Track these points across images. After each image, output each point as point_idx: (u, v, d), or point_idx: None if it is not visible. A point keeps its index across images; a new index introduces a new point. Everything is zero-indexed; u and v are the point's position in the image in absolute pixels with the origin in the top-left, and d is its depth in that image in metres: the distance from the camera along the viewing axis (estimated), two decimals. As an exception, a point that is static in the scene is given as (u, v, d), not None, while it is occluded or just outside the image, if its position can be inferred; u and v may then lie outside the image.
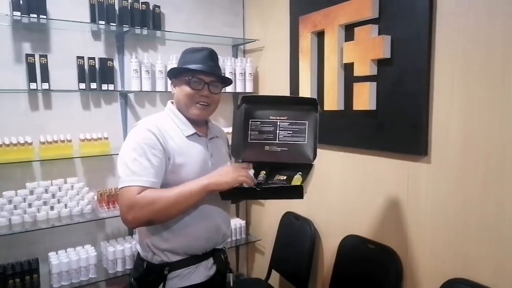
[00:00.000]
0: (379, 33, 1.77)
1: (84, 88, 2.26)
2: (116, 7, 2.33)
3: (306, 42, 2.18)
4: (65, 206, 2.19)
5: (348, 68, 1.95)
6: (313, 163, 1.39)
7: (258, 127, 1.44)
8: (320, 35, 2.13)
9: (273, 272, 2.49)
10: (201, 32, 2.65)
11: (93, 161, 2.35)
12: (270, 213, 2.75)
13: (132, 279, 1.44)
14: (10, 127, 2.13)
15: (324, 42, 2.06)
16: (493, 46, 1.39)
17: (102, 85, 2.30)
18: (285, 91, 2.42)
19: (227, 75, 2.58)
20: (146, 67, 2.41)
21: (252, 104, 1.46)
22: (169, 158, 1.31)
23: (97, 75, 2.30)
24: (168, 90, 2.42)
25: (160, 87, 2.47)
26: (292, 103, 1.46)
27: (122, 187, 1.24)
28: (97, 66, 2.30)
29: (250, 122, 1.44)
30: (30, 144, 2.08)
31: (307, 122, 1.41)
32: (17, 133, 2.09)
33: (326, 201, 2.21)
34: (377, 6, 1.77)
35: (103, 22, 2.26)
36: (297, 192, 1.22)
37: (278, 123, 1.43)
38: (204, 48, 1.41)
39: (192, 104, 1.37)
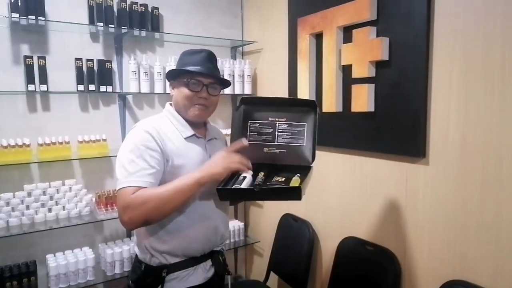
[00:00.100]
0: (377, 35, 1.77)
1: (83, 90, 2.25)
2: (115, 9, 2.33)
3: (305, 44, 2.19)
4: (63, 208, 2.18)
5: (346, 70, 1.95)
6: (312, 165, 1.39)
7: (257, 128, 1.44)
8: (318, 37, 2.13)
9: (272, 274, 2.49)
10: (199, 34, 2.65)
11: (92, 163, 2.34)
12: (268, 214, 2.75)
13: (130, 281, 1.44)
14: (8, 128, 2.12)
15: (323, 44, 2.07)
16: (492, 47, 1.40)
17: (101, 86, 2.30)
18: (284, 93, 2.43)
19: (226, 77, 2.58)
20: (144, 68, 2.41)
21: (251, 106, 1.46)
22: (168, 160, 1.31)
23: (96, 77, 2.29)
24: (167, 92, 2.42)
25: (158, 89, 2.47)
26: (291, 105, 1.46)
27: (119, 189, 1.24)
28: (95, 67, 2.29)
29: (249, 124, 1.44)
30: (28, 146, 2.08)
31: (306, 123, 1.41)
32: (15, 135, 2.09)
33: (325, 203, 2.21)
34: (375, 8, 1.77)
35: (101, 24, 2.26)
36: (295, 194, 1.22)
37: (277, 124, 1.43)
38: (203, 50, 1.41)
39: (191, 106, 1.37)
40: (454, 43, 1.52)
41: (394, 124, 1.74)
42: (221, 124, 2.83)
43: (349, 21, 1.89)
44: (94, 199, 2.32)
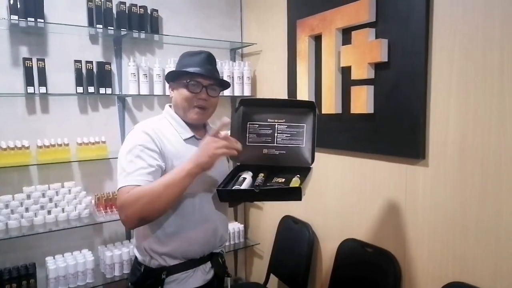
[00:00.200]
0: (376, 37, 1.77)
1: (82, 92, 2.25)
2: (114, 11, 2.33)
3: (304, 45, 2.19)
4: (63, 210, 2.18)
5: (345, 71, 1.96)
6: (311, 166, 1.39)
7: (256, 130, 1.44)
8: (317, 38, 2.14)
9: (272, 276, 2.48)
10: (199, 36, 2.65)
11: (91, 165, 2.34)
12: (268, 216, 2.75)
13: (130, 284, 1.43)
14: (7, 131, 2.12)
15: (322, 45, 2.07)
16: (490, 49, 1.40)
17: (100, 89, 2.30)
18: (283, 95, 2.43)
19: (225, 78, 2.58)
20: (144, 70, 2.41)
21: (250, 107, 1.46)
22: (167, 161, 1.31)
23: (95, 79, 2.30)
24: (166, 93, 2.42)
25: (158, 90, 2.47)
26: (290, 106, 1.46)
27: (118, 189, 1.24)
28: (94, 70, 2.30)
29: (248, 125, 1.44)
30: (28, 148, 2.08)
31: (305, 125, 1.41)
32: (14, 137, 2.09)
33: (324, 205, 2.21)
34: (374, 10, 1.78)
35: (100, 26, 2.27)
36: (295, 194, 1.22)
37: (276, 126, 1.43)
38: (202, 51, 1.41)
39: (190, 107, 1.37)
40: (453, 45, 1.52)
41: (394, 126, 1.74)
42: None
43: (348, 23, 1.89)
44: (93, 201, 2.31)
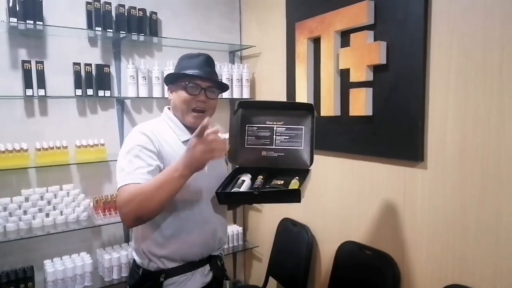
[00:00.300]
0: (375, 39, 1.78)
1: (81, 94, 2.25)
2: (113, 14, 2.33)
3: (303, 48, 2.19)
4: (61, 213, 2.17)
5: (344, 74, 1.96)
6: (310, 168, 1.39)
7: (255, 132, 1.44)
8: (316, 41, 2.14)
9: (270, 279, 2.48)
10: (198, 38, 2.66)
11: (89, 167, 2.34)
12: (267, 219, 2.74)
13: (128, 286, 1.43)
14: (5, 133, 2.12)
15: (320, 48, 2.07)
16: (489, 50, 1.40)
17: (99, 91, 2.30)
18: (282, 97, 2.43)
19: (224, 81, 2.58)
20: (142, 73, 2.41)
21: (248, 110, 1.46)
22: (165, 163, 1.30)
23: (94, 81, 2.29)
24: (165, 96, 2.42)
25: (157, 93, 2.47)
26: (288, 108, 1.46)
27: (118, 189, 1.24)
28: (93, 72, 2.30)
29: (246, 127, 1.44)
30: (26, 150, 2.07)
31: (303, 127, 1.41)
32: (13, 140, 2.08)
33: (323, 207, 2.21)
34: (372, 12, 1.78)
35: (99, 29, 2.27)
36: (295, 196, 1.22)
37: (275, 128, 1.43)
38: (201, 54, 1.42)
39: (189, 110, 1.37)
40: (451, 47, 1.52)
41: (392, 128, 1.74)
42: (220, 128, 2.82)
43: (347, 25, 1.89)
44: (92, 204, 2.31)
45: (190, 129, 1.41)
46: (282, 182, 1.34)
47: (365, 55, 1.79)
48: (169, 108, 1.46)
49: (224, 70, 2.65)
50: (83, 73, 2.26)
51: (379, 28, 1.77)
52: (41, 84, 2.12)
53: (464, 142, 1.49)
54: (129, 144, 1.30)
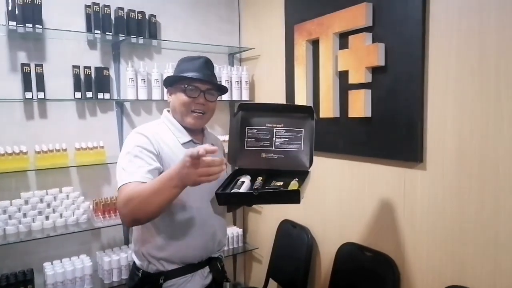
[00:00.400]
0: (373, 41, 1.79)
1: (80, 97, 2.25)
2: (112, 17, 2.34)
3: (301, 50, 2.20)
4: (60, 215, 2.17)
5: (343, 75, 1.96)
6: (309, 170, 1.39)
7: (255, 134, 1.44)
8: (315, 43, 2.15)
9: (271, 280, 2.48)
10: (197, 41, 2.66)
11: (89, 170, 2.34)
12: (267, 221, 2.74)
13: (128, 289, 1.43)
14: (5, 136, 2.12)
15: (319, 50, 2.08)
16: (486, 52, 1.41)
17: (98, 94, 2.30)
18: (281, 99, 2.43)
19: (223, 83, 2.59)
20: (142, 76, 2.42)
21: (248, 112, 1.47)
22: (164, 165, 1.31)
23: (93, 84, 2.30)
24: (164, 98, 2.42)
25: (156, 95, 2.48)
26: (288, 111, 1.47)
27: (118, 188, 1.24)
28: (93, 75, 2.30)
29: (246, 130, 1.45)
30: (25, 153, 2.07)
31: (303, 129, 1.42)
32: (12, 143, 2.08)
33: (323, 209, 2.21)
34: (371, 15, 1.79)
35: (99, 32, 2.27)
36: (294, 197, 1.22)
37: (275, 130, 1.44)
38: (200, 56, 1.43)
39: (188, 112, 1.38)
40: (450, 48, 1.53)
41: (391, 129, 1.75)
42: (219, 130, 2.84)
43: (345, 27, 1.90)
44: (91, 207, 2.31)
45: (190, 131, 1.42)
46: (282, 183, 1.35)
47: (363, 57, 1.80)
48: (168, 111, 1.47)
49: (223, 73, 2.66)
50: (82, 76, 2.26)
51: (378, 30, 1.78)
52: (41, 87, 2.12)
53: (463, 142, 1.50)
54: (129, 145, 1.31)
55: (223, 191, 1.31)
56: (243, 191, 1.28)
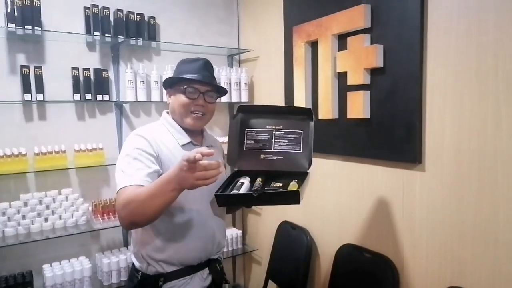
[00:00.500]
0: (372, 43, 1.79)
1: (79, 99, 2.25)
2: (111, 18, 2.34)
3: (300, 51, 2.20)
4: (60, 217, 2.17)
5: (341, 77, 1.97)
6: (308, 171, 1.39)
7: (254, 136, 1.45)
8: (313, 44, 2.15)
9: (270, 282, 2.48)
10: (196, 43, 2.67)
11: (88, 172, 2.34)
12: (266, 222, 2.74)
13: (127, 291, 1.43)
14: (4, 138, 2.12)
15: (318, 51, 2.08)
16: (485, 53, 1.41)
17: (97, 95, 2.30)
18: (280, 100, 2.44)
19: (222, 84, 2.59)
20: (141, 77, 2.42)
21: (248, 114, 1.47)
22: (163, 167, 1.31)
23: (92, 86, 2.30)
24: (164, 100, 2.43)
25: (155, 97, 2.48)
26: (287, 113, 1.47)
27: (117, 191, 1.24)
28: (92, 77, 2.30)
29: (246, 131, 1.45)
30: (24, 155, 2.07)
31: (302, 131, 1.42)
32: (11, 144, 2.09)
33: (322, 210, 2.21)
34: (369, 16, 1.79)
35: (98, 33, 2.27)
36: (294, 197, 1.23)
37: (274, 132, 1.44)
38: (200, 58, 1.43)
39: (187, 114, 1.38)
40: (448, 50, 1.53)
41: (390, 131, 1.75)
42: (218, 131, 2.84)
43: (344, 29, 1.91)
44: (90, 208, 2.31)
45: (189, 132, 1.42)
46: (281, 184, 1.35)
47: (362, 59, 1.80)
48: (167, 112, 1.47)
49: (222, 74, 2.66)
50: (81, 78, 2.27)
51: (376, 32, 1.78)
52: (40, 89, 2.12)
53: (462, 144, 1.50)
54: (128, 147, 1.31)
55: (223, 192, 1.31)
56: (242, 192, 1.29)
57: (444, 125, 1.56)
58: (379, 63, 1.74)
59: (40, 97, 2.12)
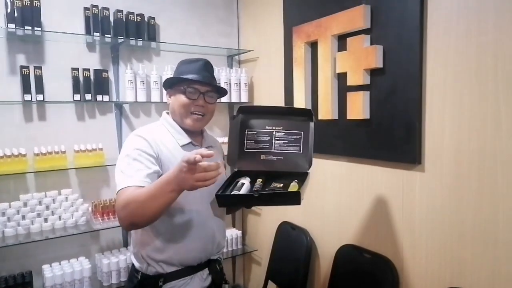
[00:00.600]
0: (371, 43, 1.79)
1: (79, 99, 2.26)
2: (111, 19, 2.34)
3: (300, 52, 2.21)
4: (59, 218, 2.17)
5: (341, 77, 1.97)
6: (308, 171, 1.40)
7: (254, 136, 1.45)
8: (313, 45, 2.15)
9: (270, 282, 2.48)
10: (196, 43, 2.67)
11: (88, 172, 2.34)
12: (266, 223, 2.74)
13: (127, 291, 1.43)
14: (4, 138, 2.12)
15: (318, 52, 2.08)
16: (484, 53, 1.41)
17: (97, 96, 2.30)
18: (280, 101, 2.44)
19: (222, 85, 2.59)
20: (141, 78, 2.42)
21: (248, 114, 1.47)
22: (163, 167, 1.31)
23: (92, 86, 2.30)
24: (163, 100, 2.43)
25: (155, 97, 2.48)
26: (288, 114, 1.47)
27: (117, 192, 1.24)
28: (92, 77, 2.30)
29: (246, 132, 1.45)
30: (24, 155, 2.07)
31: (302, 132, 1.42)
32: (11, 145, 2.08)
33: (322, 210, 2.21)
34: (369, 17, 1.80)
35: (98, 34, 2.28)
36: (295, 198, 1.23)
37: (274, 133, 1.44)
38: (200, 59, 1.43)
39: (187, 114, 1.38)
40: (448, 50, 1.53)
41: (390, 131, 1.75)
42: (218, 132, 2.84)
43: (344, 29, 1.91)
44: (90, 209, 2.30)
45: (189, 132, 1.42)
46: (282, 185, 1.35)
47: (362, 59, 1.80)
48: (167, 113, 1.47)
49: (222, 75, 2.66)
50: (81, 78, 2.27)
51: (376, 32, 1.79)
52: (39, 89, 2.12)
53: (461, 144, 1.50)
54: (128, 148, 1.31)
55: (223, 193, 1.31)
56: (243, 193, 1.29)
57: (443, 126, 1.56)
58: (378, 63, 1.74)
59: (40, 97, 2.12)
